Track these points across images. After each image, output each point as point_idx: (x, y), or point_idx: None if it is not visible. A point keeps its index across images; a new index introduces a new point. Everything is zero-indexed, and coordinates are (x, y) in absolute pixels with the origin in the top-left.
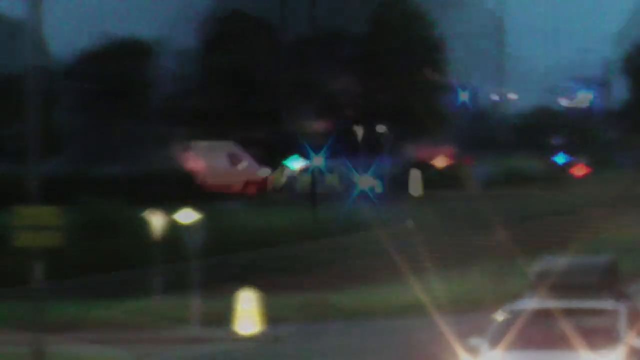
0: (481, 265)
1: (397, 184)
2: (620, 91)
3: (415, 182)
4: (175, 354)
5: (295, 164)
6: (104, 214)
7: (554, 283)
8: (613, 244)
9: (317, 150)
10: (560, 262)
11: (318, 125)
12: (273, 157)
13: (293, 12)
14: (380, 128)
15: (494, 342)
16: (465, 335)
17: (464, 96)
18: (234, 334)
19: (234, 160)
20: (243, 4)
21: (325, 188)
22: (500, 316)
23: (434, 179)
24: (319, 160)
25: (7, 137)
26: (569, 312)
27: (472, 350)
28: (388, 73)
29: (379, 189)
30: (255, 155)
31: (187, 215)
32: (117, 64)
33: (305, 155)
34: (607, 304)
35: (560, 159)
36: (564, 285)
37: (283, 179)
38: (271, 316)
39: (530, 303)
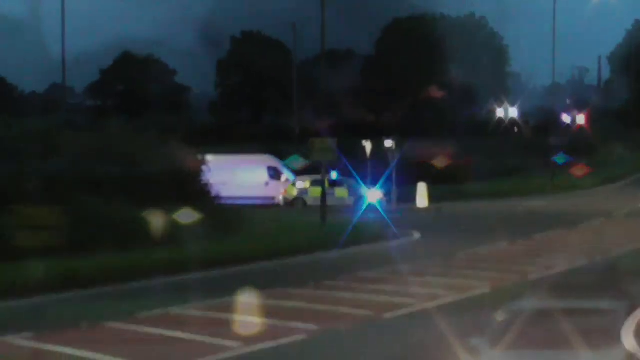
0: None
1: (404, 196)
2: (620, 91)
3: (422, 195)
4: None
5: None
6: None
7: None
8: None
9: (327, 165)
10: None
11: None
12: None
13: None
14: (388, 142)
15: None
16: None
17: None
18: None
19: (276, 173)
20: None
21: (335, 201)
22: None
23: (434, 178)
24: (329, 174)
25: (7, 138)
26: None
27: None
28: (396, 90)
29: (386, 202)
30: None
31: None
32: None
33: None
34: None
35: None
36: None
37: (294, 192)
38: None
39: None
